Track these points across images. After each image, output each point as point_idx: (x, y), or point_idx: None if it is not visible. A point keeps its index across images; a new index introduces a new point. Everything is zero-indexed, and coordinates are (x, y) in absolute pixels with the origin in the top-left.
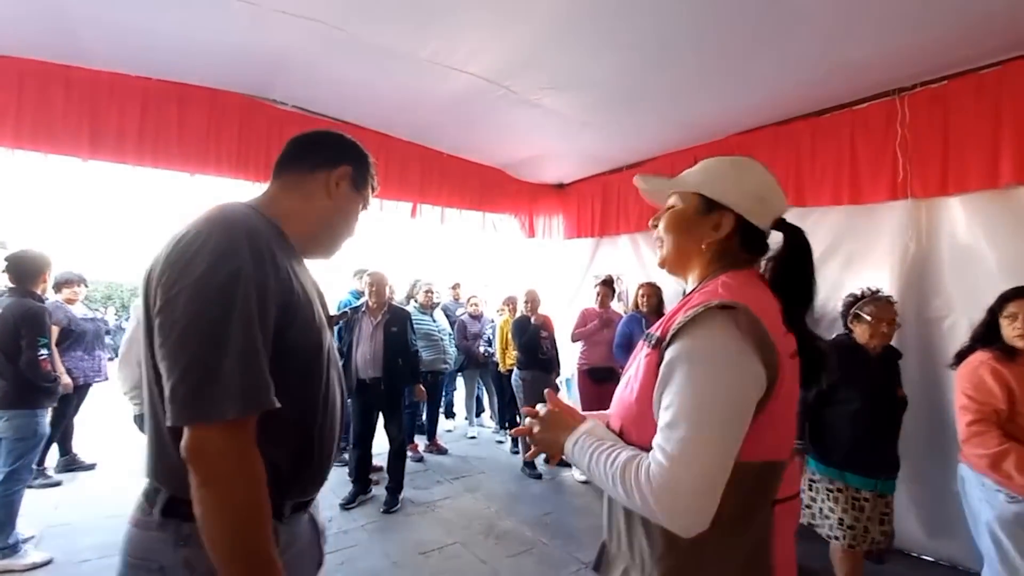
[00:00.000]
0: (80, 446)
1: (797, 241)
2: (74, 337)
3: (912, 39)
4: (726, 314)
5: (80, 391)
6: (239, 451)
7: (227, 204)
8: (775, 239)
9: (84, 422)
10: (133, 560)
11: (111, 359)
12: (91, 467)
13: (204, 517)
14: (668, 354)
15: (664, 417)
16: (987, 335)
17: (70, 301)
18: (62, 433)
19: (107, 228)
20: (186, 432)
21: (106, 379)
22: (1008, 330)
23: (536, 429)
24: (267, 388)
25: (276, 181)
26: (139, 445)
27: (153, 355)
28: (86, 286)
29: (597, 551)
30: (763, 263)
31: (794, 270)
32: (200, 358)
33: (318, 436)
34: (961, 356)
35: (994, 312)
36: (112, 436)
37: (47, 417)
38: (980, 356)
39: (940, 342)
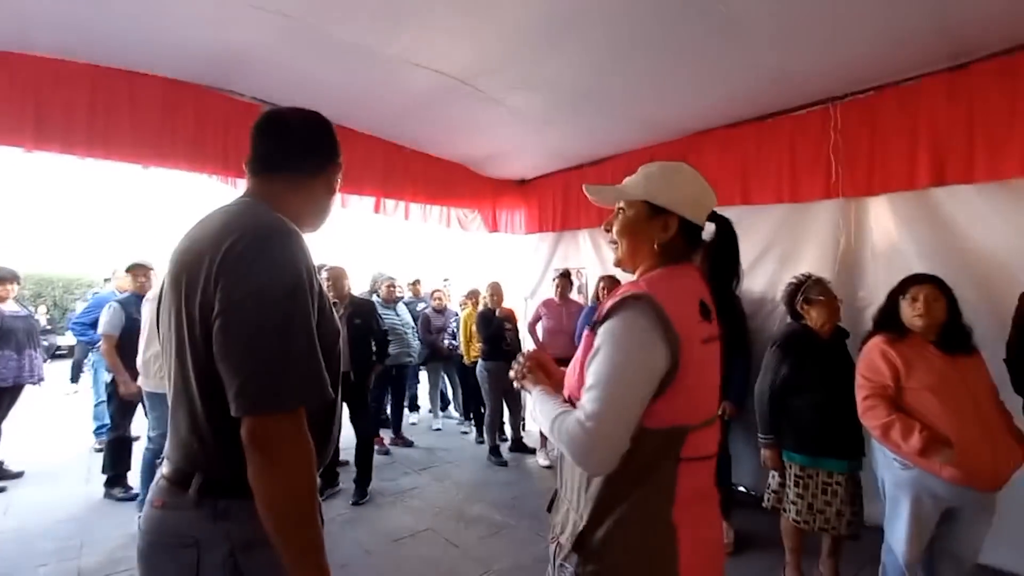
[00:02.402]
0: (5, 452)
1: (726, 229)
2: (1, 336)
3: (844, 53)
4: (637, 303)
5: (10, 392)
6: (301, 436)
7: (258, 207)
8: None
9: (10, 427)
10: (164, 540)
11: (44, 360)
12: (18, 475)
13: (270, 495)
14: (598, 333)
15: (587, 381)
16: (885, 319)
17: (0, 299)
18: None
19: (38, 222)
20: (251, 421)
21: (40, 380)
22: (908, 311)
23: (528, 373)
24: (326, 382)
25: (277, 178)
26: (70, 451)
27: (196, 355)
28: (19, 283)
29: (550, 497)
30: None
31: (724, 252)
32: (269, 358)
33: (335, 419)
34: (867, 338)
35: (895, 296)
36: (40, 442)
37: None
38: (875, 340)
39: (863, 329)
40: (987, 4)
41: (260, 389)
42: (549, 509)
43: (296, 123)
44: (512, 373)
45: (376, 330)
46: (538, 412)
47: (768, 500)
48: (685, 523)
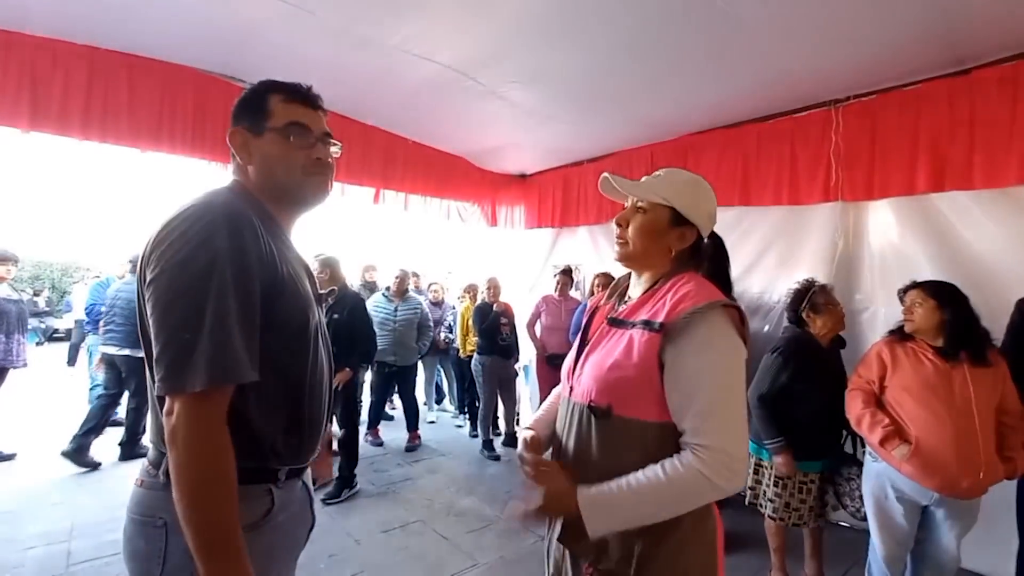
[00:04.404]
0: None
1: (719, 245)
2: None
3: (846, 55)
4: (728, 312)
5: None
6: (202, 422)
7: (213, 190)
8: None
9: (3, 410)
10: (139, 517)
11: (39, 343)
12: (10, 457)
13: (172, 479)
14: (687, 343)
15: (694, 405)
16: (900, 325)
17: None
18: None
19: (37, 205)
20: (166, 400)
21: (25, 365)
22: (904, 316)
23: (537, 505)
24: (237, 363)
25: (236, 157)
26: (65, 435)
27: (146, 335)
28: (15, 265)
29: (560, 523)
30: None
31: (718, 266)
32: (177, 335)
33: (307, 408)
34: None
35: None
36: (34, 425)
37: None
38: (880, 341)
39: (859, 332)
40: (990, 10)
41: (168, 368)
42: (563, 539)
43: (239, 99)
44: (527, 509)
45: (359, 329)
46: (624, 499)
47: (746, 496)
48: (719, 517)
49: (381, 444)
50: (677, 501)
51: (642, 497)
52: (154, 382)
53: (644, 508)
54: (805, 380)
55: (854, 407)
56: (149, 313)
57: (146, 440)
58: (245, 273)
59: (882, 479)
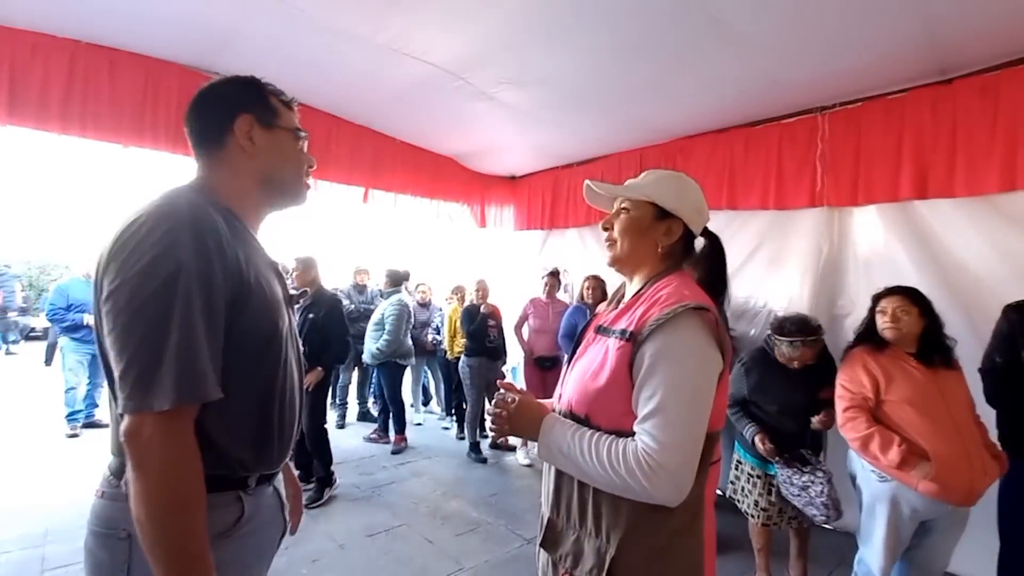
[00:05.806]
0: None
1: (716, 244)
2: None
3: (834, 64)
4: (698, 315)
5: None
6: (169, 441)
7: (173, 191)
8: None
9: None
10: (101, 530)
11: (15, 342)
12: None
13: (134, 501)
14: (649, 348)
15: (648, 405)
16: (867, 331)
17: None
18: None
19: (16, 201)
20: (126, 418)
21: None
22: (880, 323)
23: (509, 413)
24: (204, 381)
25: (200, 159)
26: (41, 437)
27: (102, 348)
28: None
29: (542, 527)
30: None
31: (714, 267)
32: (140, 352)
33: (276, 416)
34: (848, 350)
35: (872, 309)
36: (10, 427)
37: None
38: (857, 351)
39: (842, 337)
40: (972, 21)
41: (131, 387)
42: (543, 543)
43: (192, 107)
44: (492, 426)
45: (333, 329)
46: (570, 441)
47: (727, 491)
48: (707, 527)
49: (376, 442)
50: (603, 477)
51: (581, 453)
52: (115, 397)
53: (578, 464)
54: (761, 393)
55: (856, 427)
56: (108, 327)
57: None
58: (210, 285)
59: (894, 499)
